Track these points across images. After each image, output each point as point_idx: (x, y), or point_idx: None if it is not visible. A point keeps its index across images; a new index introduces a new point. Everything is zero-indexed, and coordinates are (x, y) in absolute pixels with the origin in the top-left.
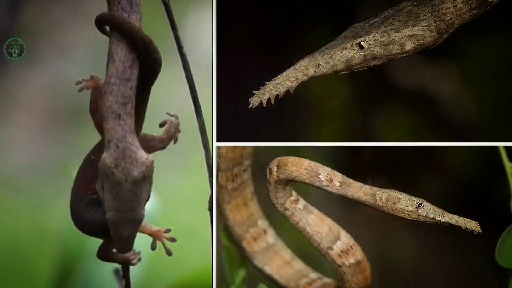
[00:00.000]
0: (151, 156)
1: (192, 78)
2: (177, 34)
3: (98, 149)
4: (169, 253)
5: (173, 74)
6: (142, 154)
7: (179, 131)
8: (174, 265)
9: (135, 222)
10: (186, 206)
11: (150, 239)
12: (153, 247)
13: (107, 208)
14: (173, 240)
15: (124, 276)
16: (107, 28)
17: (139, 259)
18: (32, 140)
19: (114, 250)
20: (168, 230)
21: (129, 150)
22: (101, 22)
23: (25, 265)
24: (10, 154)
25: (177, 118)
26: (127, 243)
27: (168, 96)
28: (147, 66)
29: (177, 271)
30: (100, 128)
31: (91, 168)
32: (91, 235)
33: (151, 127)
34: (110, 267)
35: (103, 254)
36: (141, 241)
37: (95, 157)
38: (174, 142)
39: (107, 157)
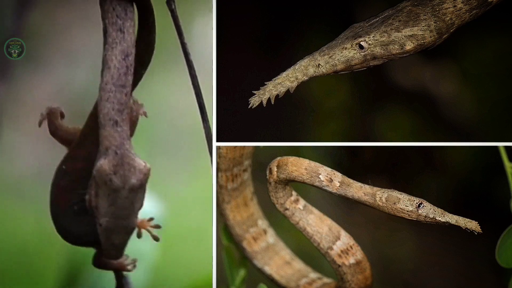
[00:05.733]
0: (149, 164)
1: (198, 85)
2: (183, 40)
3: (69, 159)
4: (156, 239)
5: (177, 78)
6: (140, 162)
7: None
8: (179, 268)
9: (128, 230)
10: (190, 210)
11: (153, 244)
12: (139, 235)
13: (101, 215)
14: (157, 227)
15: (118, 283)
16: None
17: (135, 266)
18: (39, 144)
19: None
20: (151, 219)
21: (127, 157)
22: None
23: (31, 270)
24: (17, 159)
25: None
26: (118, 250)
27: (173, 100)
28: (147, 55)
29: (181, 273)
30: (66, 143)
31: (63, 179)
32: (82, 245)
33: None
34: None
35: (99, 262)
36: (147, 246)
37: (67, 167)
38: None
39: (105, 163)
